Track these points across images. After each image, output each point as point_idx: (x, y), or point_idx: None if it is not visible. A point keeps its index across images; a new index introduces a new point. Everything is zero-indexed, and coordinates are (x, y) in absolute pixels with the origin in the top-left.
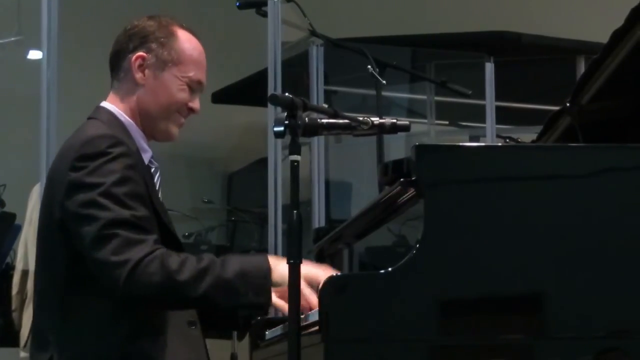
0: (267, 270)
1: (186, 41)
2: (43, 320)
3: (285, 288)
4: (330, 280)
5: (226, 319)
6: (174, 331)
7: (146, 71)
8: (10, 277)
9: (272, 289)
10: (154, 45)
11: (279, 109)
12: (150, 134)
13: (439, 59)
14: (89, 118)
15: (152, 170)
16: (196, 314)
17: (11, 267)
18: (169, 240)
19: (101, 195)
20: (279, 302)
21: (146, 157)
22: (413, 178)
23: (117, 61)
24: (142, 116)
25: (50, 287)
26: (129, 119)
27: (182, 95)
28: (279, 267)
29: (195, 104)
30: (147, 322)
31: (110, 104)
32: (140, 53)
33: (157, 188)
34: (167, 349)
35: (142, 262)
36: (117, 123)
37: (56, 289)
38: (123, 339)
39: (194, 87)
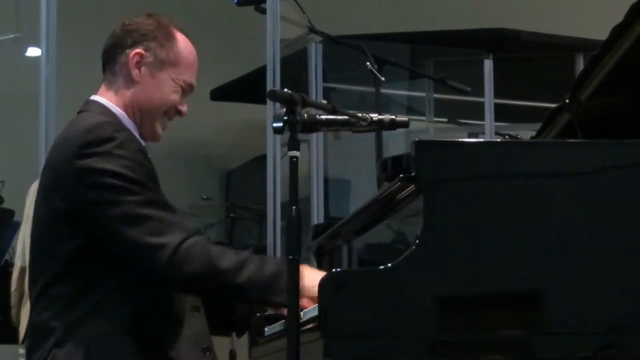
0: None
1: (183, 44)
2: (43, 310)
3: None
4: (329, 276)
5: (223, 318)
6: (179, 315)
7: (142, 69)
8: (9, 274)
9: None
10: (152, 44)
11: (277, 105)
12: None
13: (438, 56)
14: (80, 112)
15: None
16: (200, 300)
17: (10, 264)
18: None
19: (120, 179)
20: (305, 302)
21: None
22: (412, 174)
23: (112, 55)
24: (133, 112)
25: (52, 274)
26: (122, 112)
27: (174, 97)
28: (311, 275)
29: (184, 107)
30: (153, 305)
31: (102, 97)
32: (139, 50)
33: None
34: (172, 331)
35: (183, 245)
36: (110, 115)
37: (59, 276)
38: (129, 321)
39: (186, 90)
